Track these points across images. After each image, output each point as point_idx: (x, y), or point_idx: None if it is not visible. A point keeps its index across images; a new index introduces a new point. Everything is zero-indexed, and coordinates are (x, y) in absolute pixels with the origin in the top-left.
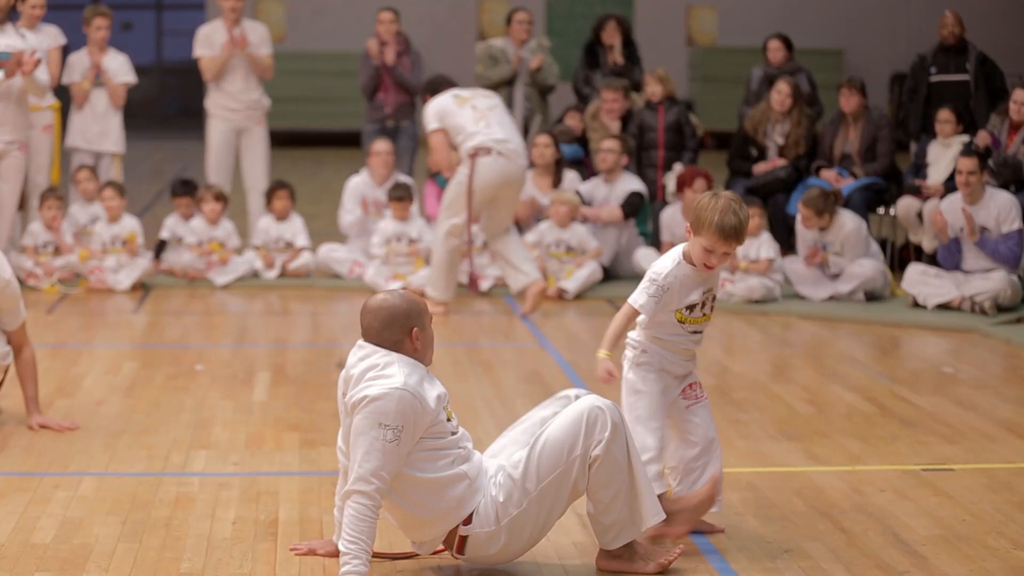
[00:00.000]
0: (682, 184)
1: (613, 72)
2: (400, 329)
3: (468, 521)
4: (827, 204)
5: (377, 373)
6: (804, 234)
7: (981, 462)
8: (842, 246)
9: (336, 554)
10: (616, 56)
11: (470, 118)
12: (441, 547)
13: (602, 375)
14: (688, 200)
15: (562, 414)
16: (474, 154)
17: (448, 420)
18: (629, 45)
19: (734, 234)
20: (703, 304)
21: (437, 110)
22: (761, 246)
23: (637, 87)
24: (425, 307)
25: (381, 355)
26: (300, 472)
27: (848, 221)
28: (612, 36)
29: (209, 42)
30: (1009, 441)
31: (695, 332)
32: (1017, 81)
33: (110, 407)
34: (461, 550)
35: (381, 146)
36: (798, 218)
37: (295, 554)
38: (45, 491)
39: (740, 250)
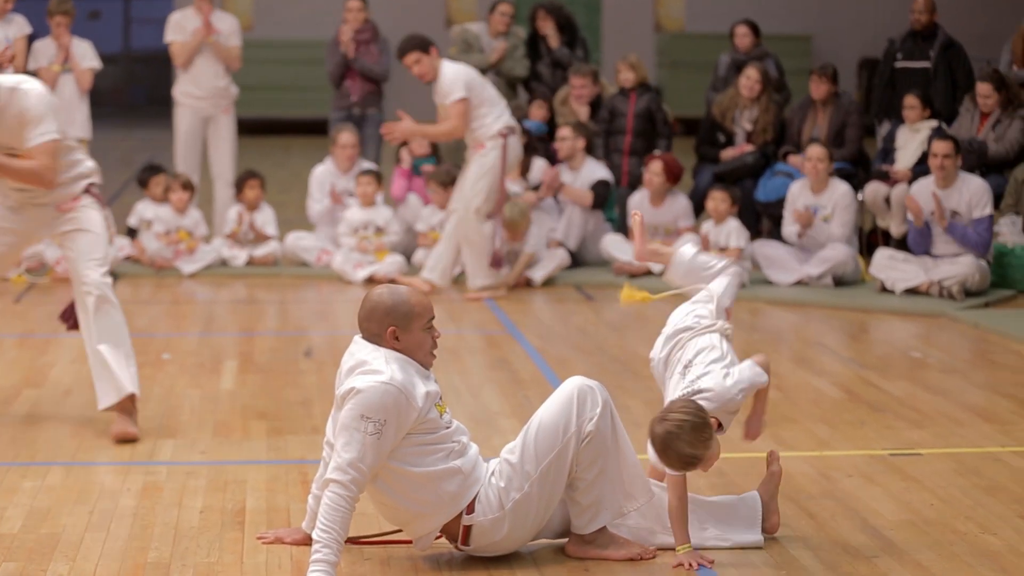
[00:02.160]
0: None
1: (552, 61)
2: (377, 324)
3: (471, 510)
4: None
5: (366, 368)
6: (796, 198)
7: (949, 447)
8: (833, 209)
9: (303, 542)
10: (551, 43)
11: (495, 96)
12: (439, 535)
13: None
14: (645, 181)
15: (552, 396)
16: (505, 134)
17: (441, 416)
18: (568, 30)
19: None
20: None
21: (465, 79)
22: (731, 233)
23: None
24: (421, 310)
25: (371, 350)
26: (267, 461)
27: (840, 185)
28: (544, 25)
29: (180, 28)
30: (977, 425)
31: None
32: (985, 67)
33: (78, 396)
34: (466, 540)
35: (346, 139)
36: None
37: (262, 543)
38: (12, 481)
39: (710, 236)
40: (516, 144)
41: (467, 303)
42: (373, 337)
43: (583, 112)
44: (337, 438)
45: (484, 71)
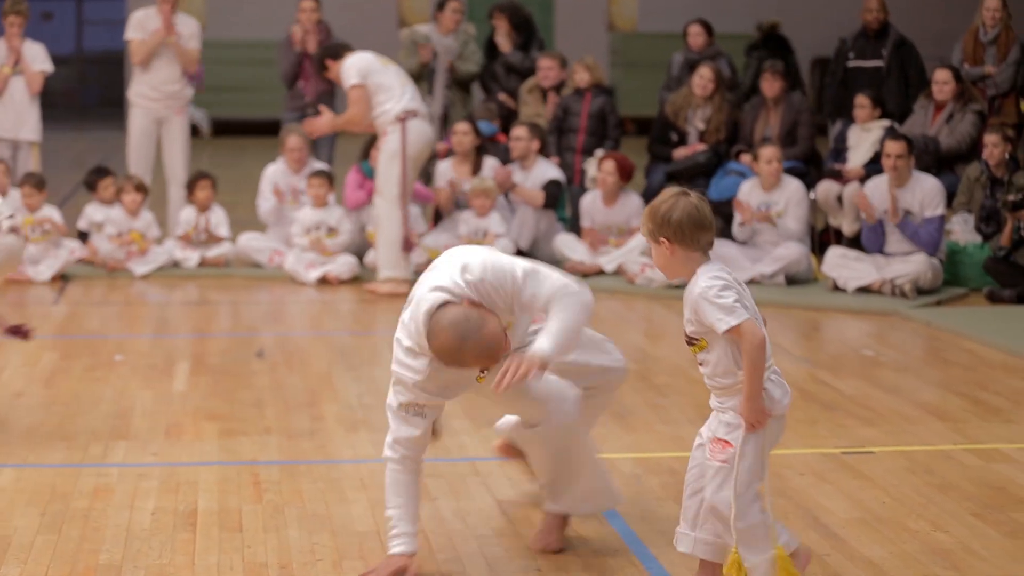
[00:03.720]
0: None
1: (509, 61)
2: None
3: None
4: None
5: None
6: (747, 196)
7: (901, 444)
8: (786, 206)
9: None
10: (504, 45)
11: (396, 79)
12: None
13: None
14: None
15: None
16: (404, 117)
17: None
18: (525, 30)
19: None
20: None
21: (360, 66)
22: None
23: (532, 70)
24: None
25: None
26: (219, 462)
27: (792, 182)
28: (500, 25)
29: (142, 26)
30: (929, 423)
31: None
32: (938, 64)
33: (29, 398)
34: None
35: (293, 142)
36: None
37: None
38: None
39: None
40: (420, 126)
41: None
42: None
43: (548, 109)
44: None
45: (433, 70)
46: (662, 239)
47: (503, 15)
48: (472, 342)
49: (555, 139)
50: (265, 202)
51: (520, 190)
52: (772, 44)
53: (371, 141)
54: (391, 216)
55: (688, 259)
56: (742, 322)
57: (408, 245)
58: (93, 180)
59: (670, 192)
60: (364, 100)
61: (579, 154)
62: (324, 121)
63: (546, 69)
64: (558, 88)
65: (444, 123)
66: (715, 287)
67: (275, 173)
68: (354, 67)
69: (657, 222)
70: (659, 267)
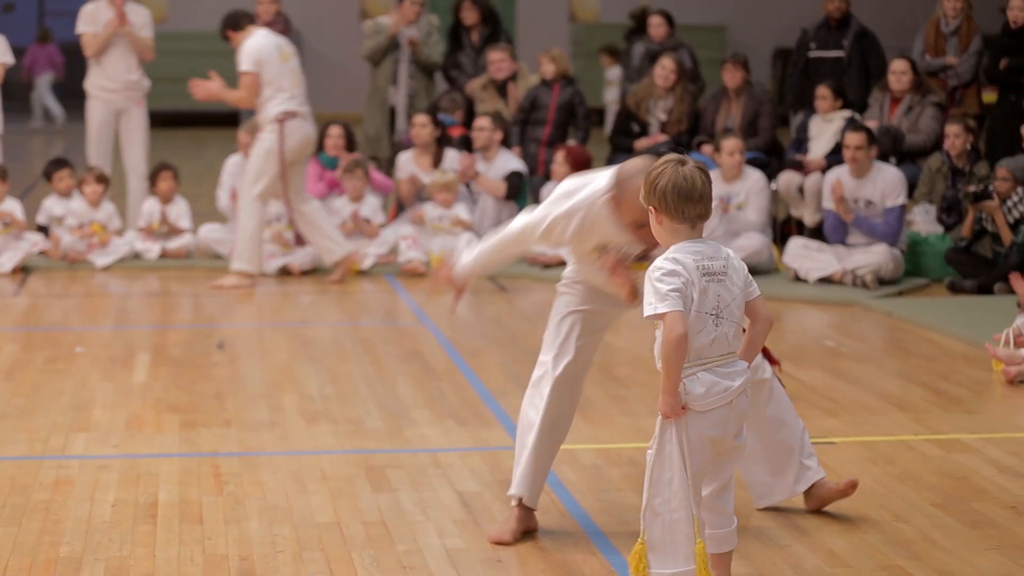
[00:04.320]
0: None
1: (476, 52)
2: None
3: None
4: None
5: None
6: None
7: (863, 435)
8: (747, 196)
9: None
10: (474, 36)
11: (288, 79)
12: None
13: None
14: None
15: None
16: (283, 119)
17: None
18: (491, 22)
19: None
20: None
21: (257, 56)
22: None
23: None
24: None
25: None
26: (180, 454)
27: (753, 172)
28: (470, 16)
29: (93, 19)
30: (891, 414)
31: None
32: (898, 54)
33: None
34: None
35: (243, 138)
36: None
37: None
38: None
39: None
40: (299, 127)
41: (379, 296)
42: None
43: (509, 104)
44: None
45: (396, 58)
46: (651, 207)
47: (476, 7)
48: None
49: (519, 130)
50: (225, 194)
51: (482, 180)
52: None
53: (323, 132)
54: (251, 212)
55: (673, 231)
56: (665, 312)
57: (299, 240)
58: (50, 171)
59: (665, 158)
60: (252, 88)
61: (544, 146)
62: (211, 87)
63: (498, 62)
64: (511, 80)
65: (409, 111)
66: (662, 270)
67: (235, 166)
68: (250, 54)
69: (647, 188)
70: (654, 234)
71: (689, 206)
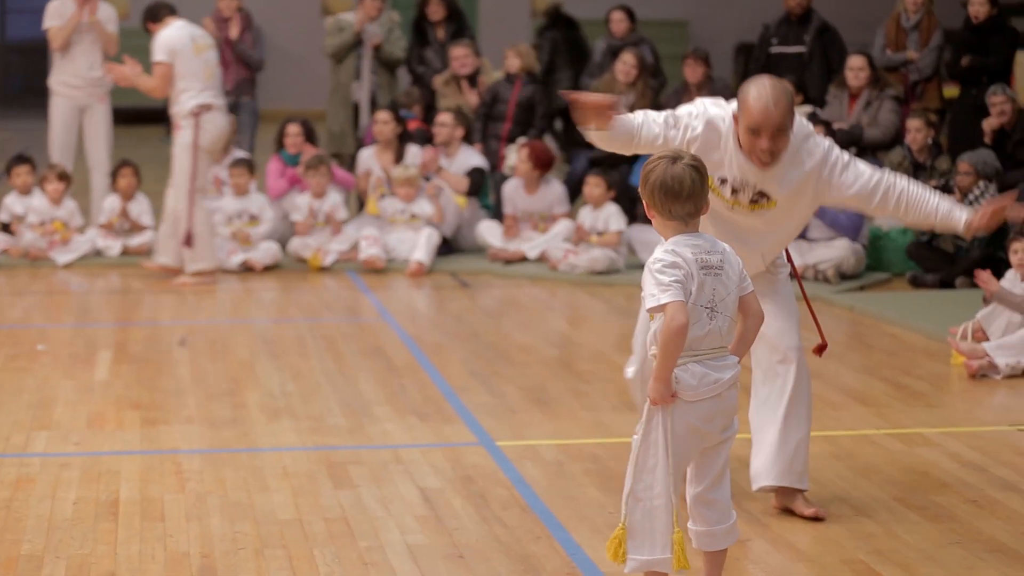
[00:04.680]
0: None
1: (442, 48)
2: None
3: None
4: None
5: None
6: None
7: (825, 430)
8: None
9: None
10: (440, 32)
11: (201, 72)
12: None
13: None
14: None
15: None
16: (198, 112)
17: None
18: (456, 19)
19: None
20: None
21: (171, 46)
22: (609, 218)
23: None
24: None
25: None
26: (141, 451)
27: None
28: (436, 12)
29: (59, 15)
30: (852, 408)
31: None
32: (858, 50)
33: None
34: None
35: None
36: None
37: None
38: None
39: (588, 222)
40: (214, 120)
41: (340, 292)
42: None
43: (472, 98)
44: None
45: (359, 54)
46: (644, 201)
47: (443, 4)
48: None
49: (481, 126)
50: None
51: (444, 175)
52: (560, 24)
53: (282, 129)
54: (174, 208)
55: (664, 226)
56: (667, 303)
57: (189, 240)
58: (10, 167)
59: (660, 154)
60: (165, 78)
61: (504, 141)
62: (125, 72)
63: (462, 58)
64: (474, 76)
65: (371, 108)
66: (663, 261)
67: None
68: (165, 44)
69: (641, 183)
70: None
71: (675, 205)
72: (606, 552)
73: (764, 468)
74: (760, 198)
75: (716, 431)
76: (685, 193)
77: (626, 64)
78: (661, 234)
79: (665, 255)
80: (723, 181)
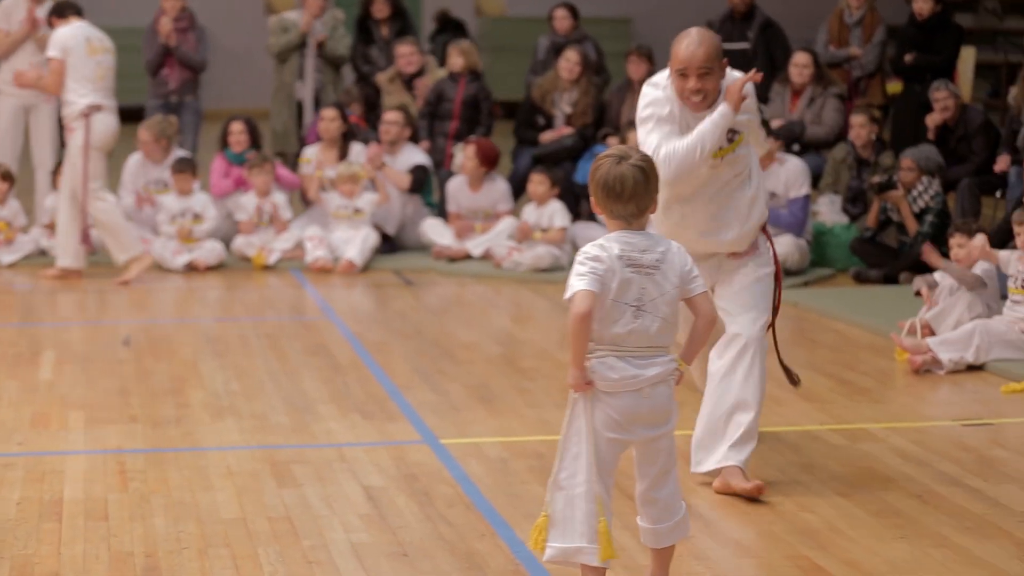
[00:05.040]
0: None
1: (387, 46)
2: None
3: None
4: None
5: None
6: None
7: (768, 425)
8: None
9: None
10: (384, 30)
11: (93, 73)
12: None
13: None
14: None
15: None
16: (88, 113)
17: None
18: (400, 17)
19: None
20: None
21: (64, 43)
22: (554, 215)
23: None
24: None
25: None
26: (85, 451)
27: None
28: (382, 10)
29: (7, 16)
30: (795, 404)
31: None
32: (802, 46)
33: None
34: None
35: (141, 134)
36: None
37: None
38: None
39: (532, 219)
40: (104, 120)
41: (283, 291)
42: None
43: (416, 98)
44: None
45: (302, 53)
46: (592, 198)
47: (388, 2)
48: None
49: (427, 124)
50: (126, 196)
51: (388, 172)
52: (451, 28)
53: (226, 127)
54: (104, 208)
55: (608, 223)
56: (575, 292)
57: (86, 238)
58: None
59: (607, 153)
60: (58, 74)
61: (451, 140)
62: (29, 75)
63: (407, 56)
64: (419, 75)
65: (316, 105)
66: (587, 254)
67: (136, 165)
68: (59, 41)
69: (589, 179)
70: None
71: (617, 205)
72: (528, 541)
73: (707, 450)
74: (733, 135)
75: (641, 427)
76: (627, 194)
77: (569, 61)
78: (609, 227)
79: (591, 248)
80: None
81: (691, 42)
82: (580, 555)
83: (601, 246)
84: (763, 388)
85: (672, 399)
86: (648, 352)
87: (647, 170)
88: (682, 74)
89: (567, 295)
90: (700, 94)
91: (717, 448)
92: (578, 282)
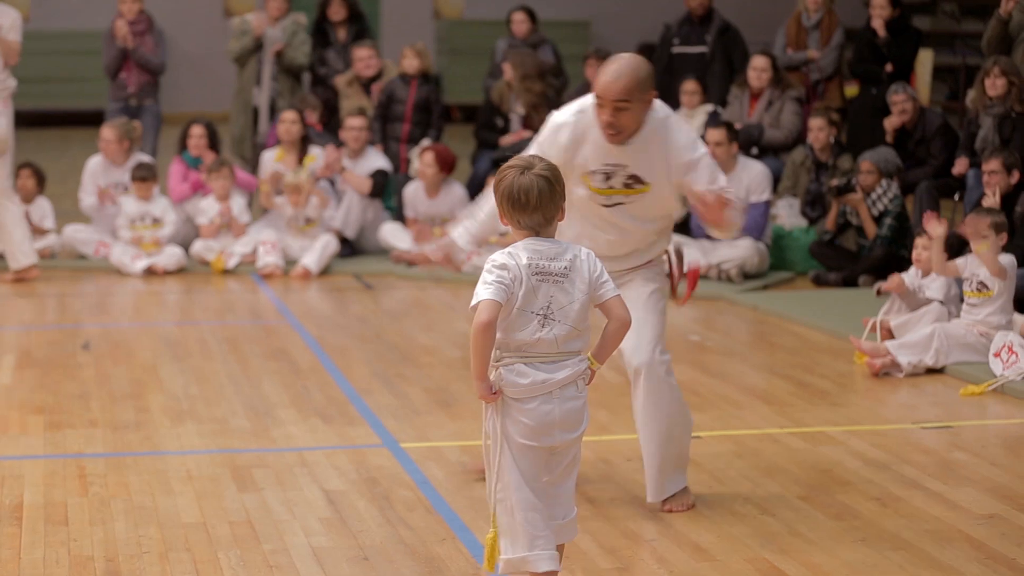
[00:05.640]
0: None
1: (344, 49)
2: None
3: None
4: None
5: None
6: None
7: (728, 429)
8: None
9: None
10: (341, 33)
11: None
12: None
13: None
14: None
15: None
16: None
17: None
18: (357, 20)
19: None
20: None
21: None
22: None
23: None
24: None
25: None
26: (45, 455)
27: None
28: (338, 12)
29: None
30: (756, 407)
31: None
32: (761, 50)
33: None
34: None
35: (105, 133)
36: None
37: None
38: None
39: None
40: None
41: (243, 295)
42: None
43: (373, 101)
44: None
45: (260, 59)
46: (498, 210)
47: (345, 4)
48: None
49: (380, 127)
50: (87, 196)
51: (348, 176)
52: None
53: (186, 131)
54: (9, 209)
55: (516, 234)
56: (479, 300)
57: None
58: None
59: (511, 164)
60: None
61: (404, 143)
62: None
63: (366, 59)
64: (377, 78)
65: (272, 113)
66: (495, 262)
67: (97, 166)
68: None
69: (493, 190)
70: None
71: (523, 216)
72: (484, 563)
73: (653, 481)
74: (634, 183)
75: (558, 431)
76: (532, 204)
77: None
78: (515, 237)
79: (500, 256)
80: (593, 172)
81: (612, 72)
82: (526, 564)
83: (510, 254)
84: (679, 409)
85: (583, 402)
86: (557, 357)
87: (552, 179)
88: (599, 103)
89: (472, 303)
90: (612, 128)
91: (659, 479)
92: (484, 291)
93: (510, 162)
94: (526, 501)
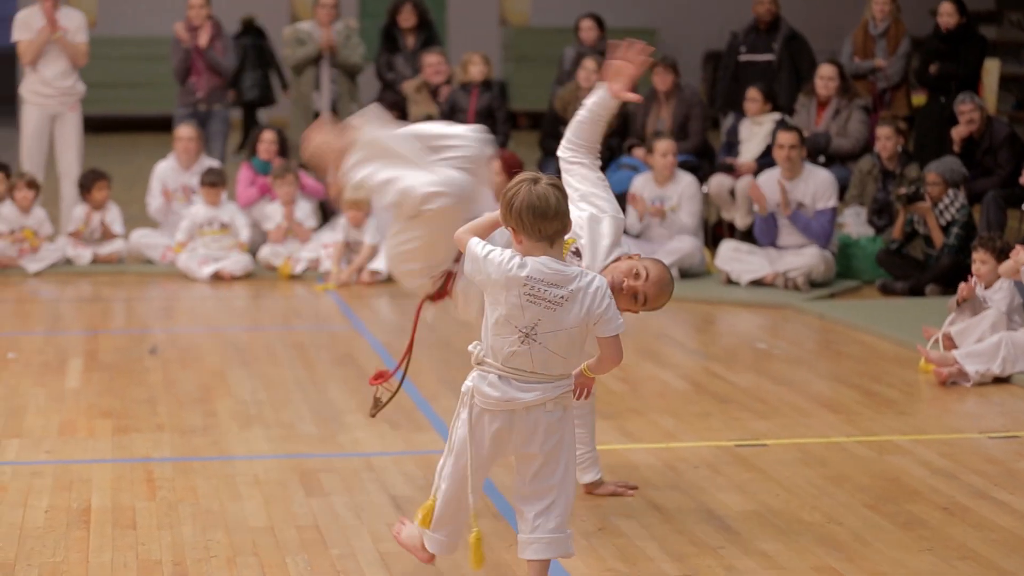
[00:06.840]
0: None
1: (413, 55)
2: None
3: None
4: None
5: None
6: (640, 191)
7: (794, 437)
8: (679, 200)
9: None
10: (410, 40)
11: None
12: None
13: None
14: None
15: None
16: None
17: None
18: (426, 27)
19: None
20: None
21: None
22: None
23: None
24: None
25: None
26: (113, 459)
27: (684, 176)
28: (408, 19)
29: (27, 26)
30: (822, 416)
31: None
32: (828, 58)
33: None
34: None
35: (184, 131)
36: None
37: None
38: None
39: None
40: None
41: (310, 300)
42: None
43: (437, 109)
44: None
45: (317, 63)
46: (509, 227)
47: (415, 11)
48: None
49: None
50: (154, 200)
51: None
52: (252, 32)
53: (257, 136)
54: None
55: (534, 248)
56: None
57: None
58: None
59: (519, 178)
60: None
61: None
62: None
63: (436, 65)
64: (446, 85)
65: (333, 114)
66: (505, 253)
67: (165, 171)
68: None
69: (504, 209)
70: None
71: (544, 224)
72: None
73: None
74: None
75: (519, 443)
76: (552, 211)
77: (587, 70)
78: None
79: (510, 250)
80: None
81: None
82: (431, 543)
83: (522, 263)
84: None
85: (550, 424)
86: (531, 377)
87: (561, 188)
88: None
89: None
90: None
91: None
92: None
93: (514, 180)
94: (459, 496)
